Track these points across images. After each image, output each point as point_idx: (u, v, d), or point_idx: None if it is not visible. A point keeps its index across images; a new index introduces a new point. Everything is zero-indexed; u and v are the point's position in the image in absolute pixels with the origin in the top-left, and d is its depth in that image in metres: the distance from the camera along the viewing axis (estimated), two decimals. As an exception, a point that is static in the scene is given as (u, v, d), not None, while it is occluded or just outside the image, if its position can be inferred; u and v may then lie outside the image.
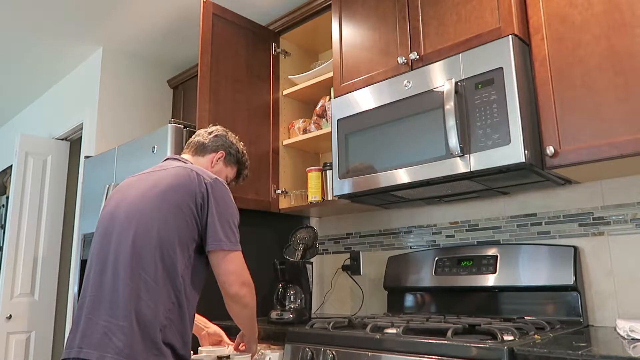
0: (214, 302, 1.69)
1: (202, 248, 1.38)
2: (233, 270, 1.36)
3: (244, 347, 1.56)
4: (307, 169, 2.34)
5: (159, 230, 1.31)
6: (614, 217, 1.66)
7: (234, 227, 1.40)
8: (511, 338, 1.25)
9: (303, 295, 1.97)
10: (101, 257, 1.34)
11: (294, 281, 1.99)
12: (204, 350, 1.55)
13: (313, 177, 2.30)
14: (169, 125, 2.19)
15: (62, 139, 3.59)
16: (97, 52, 3.23)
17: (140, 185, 1.42)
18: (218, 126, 1.70)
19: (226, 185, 1.43)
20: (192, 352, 1.37)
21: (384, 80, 1.86)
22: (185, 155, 1.61)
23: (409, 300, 2.06)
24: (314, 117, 2.43)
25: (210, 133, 1.65)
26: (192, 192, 1.36)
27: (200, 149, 1.62)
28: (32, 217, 3.31)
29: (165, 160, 1.58)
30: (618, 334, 1.36)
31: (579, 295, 1.63)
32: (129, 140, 2.76)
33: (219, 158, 1.63)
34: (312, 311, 2.17)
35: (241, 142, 1.73)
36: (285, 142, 2.46)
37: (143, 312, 1.24)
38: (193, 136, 1.66)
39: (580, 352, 1.05)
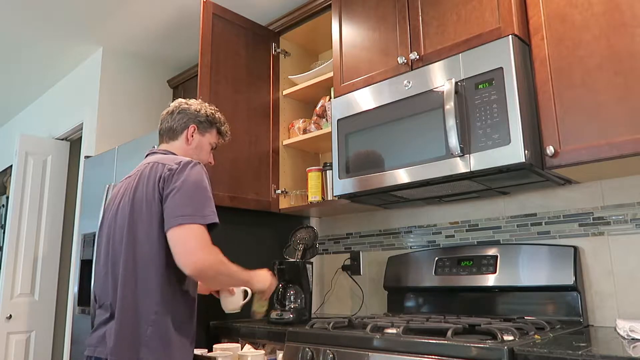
0: (212, 302, 1.70)
1: None
2: (181, 245, 1.29)
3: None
4: (307, 169, 2.34)
5: (139, 230, 1.34)
6: (614, 217, 1.66)
7: (196, 200, 1.32)
8: (511, 338, 1.25)
9: (303, 295, 1.97)
10: (105, 262, 1.42)
11: (294, 281, 1.99)
12: (198, 351, 1.56)
13: (313, 177, 2.30)
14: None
15: (62, 139, 3.59)
16: (97, 52, 3.23)
17: (125, 190, 1.46)
18: (175, 101, 1.63)
19: (198, 167, 1.40)
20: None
21: (384, 80, 1.86)
22: (162, 145, 1.60)
23: (409, 300, 2.05)
24: (314, 117, 2.43)
25: (172, 113, 1.59)
26: (155, 183, 1.36)
27: (172, 134, 1.58)
28: (32, 217, 3.31)
29: (147, 156, 1.57)
30: (618, 334, 1.36)
31: (579, 295, 1.63)
32: (129, 140, 2.76)
33: (192, 133, 1.58)
34: (312, 311, 2.16)
35: (206, 103, 1.65)
36: (285, 142, 2.46)
37: (129, 311, 1.29)
38: (160, 123, 1.62)
39: (580, 352, 1.05)
